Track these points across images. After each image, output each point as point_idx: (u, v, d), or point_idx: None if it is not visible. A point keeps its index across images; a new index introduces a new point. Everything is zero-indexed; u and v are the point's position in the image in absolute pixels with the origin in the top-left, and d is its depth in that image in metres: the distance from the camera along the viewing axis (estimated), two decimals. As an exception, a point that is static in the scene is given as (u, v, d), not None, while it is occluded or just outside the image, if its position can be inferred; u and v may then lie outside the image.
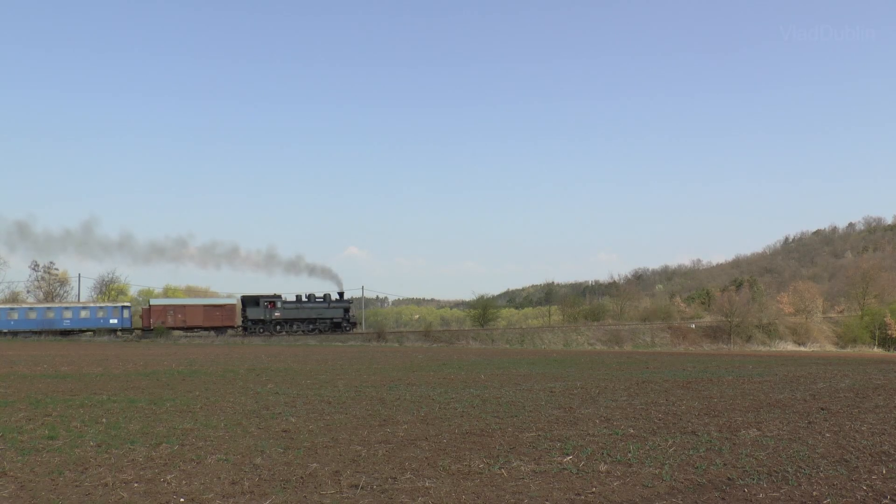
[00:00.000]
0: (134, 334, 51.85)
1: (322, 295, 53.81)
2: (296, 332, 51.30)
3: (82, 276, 72.93)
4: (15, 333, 48.38)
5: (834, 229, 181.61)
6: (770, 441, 7.23)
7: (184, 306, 51.68)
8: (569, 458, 6.49)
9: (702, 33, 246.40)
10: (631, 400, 10.90)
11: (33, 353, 27.73)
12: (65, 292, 67.37)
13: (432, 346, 43.25)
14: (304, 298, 53.15)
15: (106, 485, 5.60)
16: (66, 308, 51.23)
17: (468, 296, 63.12)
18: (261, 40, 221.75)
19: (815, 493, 5.19)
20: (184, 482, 5.68)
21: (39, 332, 48.61)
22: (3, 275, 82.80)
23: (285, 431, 8.07)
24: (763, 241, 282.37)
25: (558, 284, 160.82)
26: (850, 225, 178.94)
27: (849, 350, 53.74)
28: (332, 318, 52.99)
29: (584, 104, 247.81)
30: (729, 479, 5.66)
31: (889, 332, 61.92)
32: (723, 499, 5.11)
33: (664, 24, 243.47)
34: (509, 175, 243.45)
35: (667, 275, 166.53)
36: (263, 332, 50.83)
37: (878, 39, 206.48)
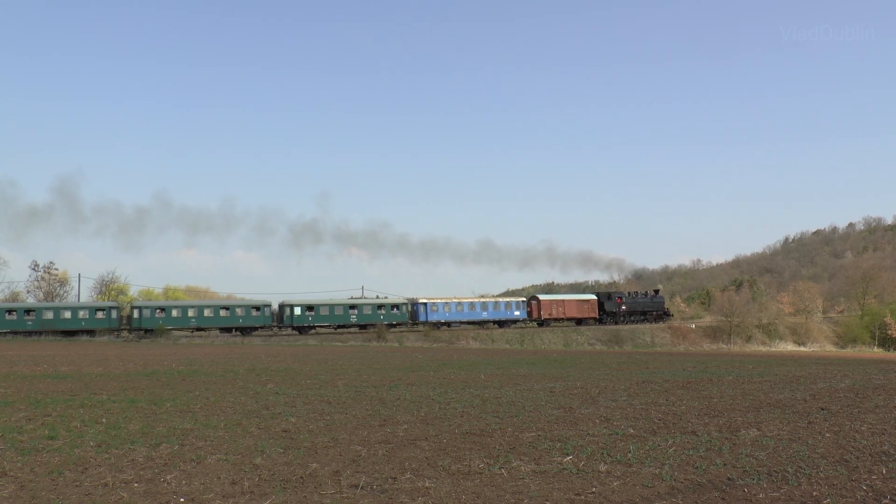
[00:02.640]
0: (517, 325, 59.50)
1: (644, 291, 69.77)
2: (633, 321, 62.91)
3: (82, 275, 73.05)
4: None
5: (834, 229, 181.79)
6: (770, 441, 7.22)
7: (563, 301, 61.74)
8: (569, 458, 6.49)
9: (701, 34, 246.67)
10: (631, 400, 10.90)
11: (33, 353, 27.73)
12: (65, 292, 67.39)
13: (432, 346, 43.23)
14: (636, 295, 66.60)
15: (106, 485, 5.60)
16: (472, 303, 58.95)
17: (468, 296, 63.39)
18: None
19: (815, 493, 5.19)
20: (184, 482, 5.68)
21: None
22: (3, 275, 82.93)
23: (285, 431, 8.07)
24: (763, 241, 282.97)
25: (558, 285, 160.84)
26: (850, 225, 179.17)
27: (849, 350, 53.66)
28: (655, 310, 65.21)
29: (583, 105, 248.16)
30: (729, 479, 5.66)
31: (889, 332, 61.87)
32: (723, 499, 5.11)
33: (664, 25, 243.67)
34: (509, 176, 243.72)
35: (667, 275, 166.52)
36: (612, 322, 61.72)
37: (877, 39, 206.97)
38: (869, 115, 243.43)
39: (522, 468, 6.09)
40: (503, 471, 5.99)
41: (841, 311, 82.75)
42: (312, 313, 53.42)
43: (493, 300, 61.04)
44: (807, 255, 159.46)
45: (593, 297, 63.22)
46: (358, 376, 16.21)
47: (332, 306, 54.62)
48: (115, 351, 30.96)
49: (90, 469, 6.15)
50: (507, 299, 61.35)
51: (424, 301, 56.56)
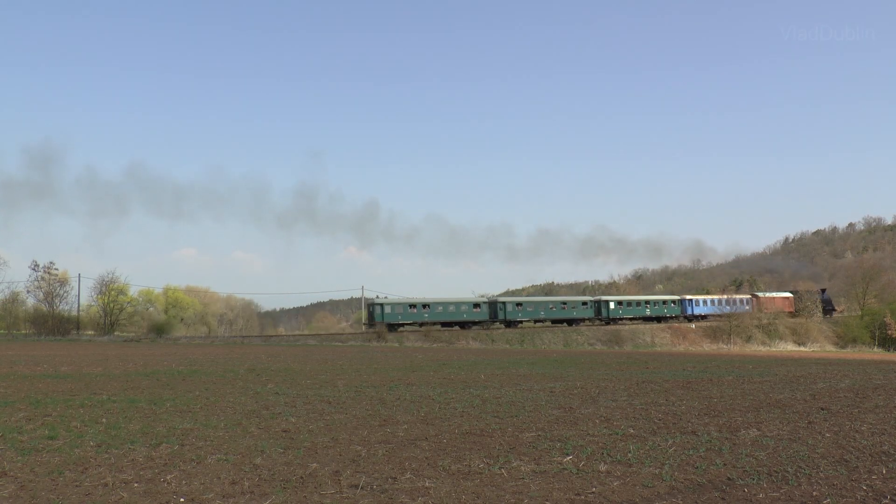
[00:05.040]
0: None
1: (819, 290, 79.32)
2: (826, 317, 73.74)
3: (82, 276, 72.99)
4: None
5: (834, 229, 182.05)
6: (770, 441, 7.22)
7: (773, 298, 73.23)
8: (569, 458, 6.49)
9: (701, 34, 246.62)
10: (631, 400, 10.90)
11: (33, 354, 27.72)
12: (64, 292, 67.35)
13: (432, 346, 43.19)
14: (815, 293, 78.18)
15: (106, 485, 5.60)
16: (719, 300, 69.83)
17: (468, 296, 64.02)
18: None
19: (815, 493, 5.19)
20: (184, 482, 5.68)
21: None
22: (3, 275, 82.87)
23: (285, 431, 8.07)
24: (763, 241, 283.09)
25: (558, 285, 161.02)
26: (850, 225, 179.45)
27: (848, 350, 53.61)
28: (827, 305, 75.26)
29: (582, 106, 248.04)
30: (729, 479, 5.66)
31: (889, 332, 61.76)
32: (723, 499, 5.11)
33: (663, 26, 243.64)
34: (510, 175, 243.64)
35: (667, 275, 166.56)
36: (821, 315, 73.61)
37: (878, 39, 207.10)
38: (869, 115, 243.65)
39: (522, 468, 6.09)
40: (503, 471, 5.99)
41: (841, 311, 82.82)
42: (521, 309, 60.41)
43: (729, 297, 71.32)
44: (807, 255, 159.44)
45: (791, 294, 76.49)
46: (358, 376, 16.20)
47: (537, 303, 62.75)
48: (115, 351, 30.95)
49: (90, 469, 6.15)
50: (740, 296, 72.91)
51: (691, 298, 68.92)
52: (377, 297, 59.89)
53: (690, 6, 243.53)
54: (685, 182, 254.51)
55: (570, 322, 62.22)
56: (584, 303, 63.94)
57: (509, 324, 59.20)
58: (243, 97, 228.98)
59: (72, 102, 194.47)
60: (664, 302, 67.94)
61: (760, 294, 74.37)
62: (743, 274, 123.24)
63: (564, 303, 63.24)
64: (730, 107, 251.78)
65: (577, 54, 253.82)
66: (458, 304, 58.20)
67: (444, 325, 56.98)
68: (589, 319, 63.39)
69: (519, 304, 61.03)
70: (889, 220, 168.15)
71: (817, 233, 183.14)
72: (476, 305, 58.74)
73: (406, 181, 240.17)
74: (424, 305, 56.56)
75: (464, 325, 57.62)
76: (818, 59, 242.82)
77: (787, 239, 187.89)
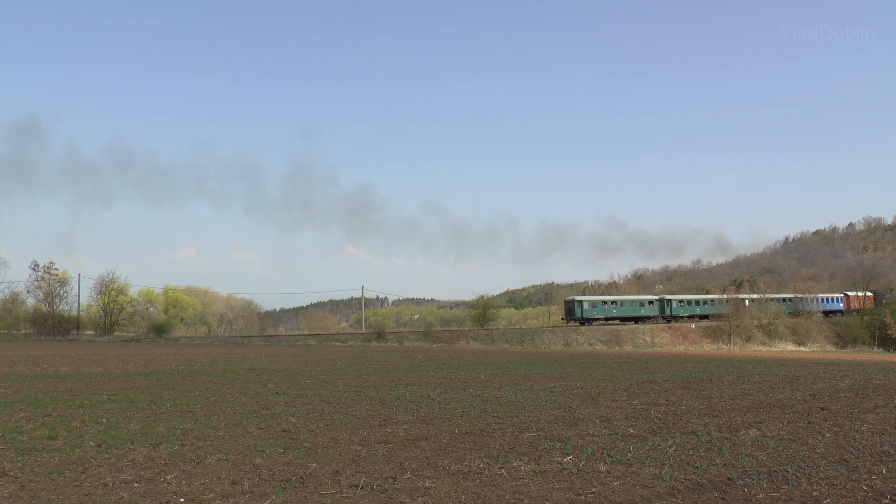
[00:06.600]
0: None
1: (890, 289, 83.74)
2: None
3: (82, 276, 73.02)
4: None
5: (834, 229, 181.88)
6: (770, 441, 7.22)
7: (861, 296, 78.20)
8: (569, 458, 6.49)
9: (701, 35, 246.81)
10: (631, 400, 10.90)
11: (33, 354, 27.73)
12: (65, 292, 67.34)
13: (432, 346, 43.17)
14: (889, 292, 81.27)
15: (106, 485, 5.60)
16: (820, 298, 73.98)
17: (468, 296, 64.84)
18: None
19: (815, 493, 5.19)
20: (184, 482, 5.68)
21: None
22: (3, 275, 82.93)
23: (285, 431, 8.07)
24: (763, 241, 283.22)
25: (558, 285, 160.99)
26: (850, 225, 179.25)
27: (848, 350, 53.59)
28: None
29: (583, 108, 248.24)
30: (729, 479, 5.66)
31: (889, 332, 61.75)
32: (723, 499, 5.11)
33: (663, 27, 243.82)
34: (510, 174, 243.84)
35: (667, 275, 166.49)
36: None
37: (878, 39, 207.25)
38: (869, 115, 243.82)
39: (522, 468, 6.09)
40: (503, 471, 5.99)
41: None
42: (683, 305, 67.36)
43: (827, 295, 75.83)
44: (807, 255, 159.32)
45: (871, 293, 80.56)
46: (358, 376, 16.20)
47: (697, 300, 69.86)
48: (114, 351, 30.96)
49: (90, 469, 6.15)
50: (833, 294, 77.09)
51: (802, 296, 73.70)
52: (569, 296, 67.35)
53: (691, 6, 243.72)
54: (684, 182, 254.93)
55: (636, 319, 68.35)
56: (728, 300, 69.48)
57: (673, 318, 65.63)
58: (235, 81, 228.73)
59: (56, 83, 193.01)
60: (784, 300, 72.14)
61: (850, 293, 79.49)
62: (743, 274, 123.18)
63: (713, 300, 69.78)
64: (729, 107, 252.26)
65: (579, 53, 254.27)
66: (634, 301, 66.82)
67: (621, 319, 64.00)
68: (653, 317, 68.59)
69: (681, 301, 68.03)
70: (889, 220, 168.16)
71: (817, 233, 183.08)
72: (650, 302, 66.58)
73: (405, 177, 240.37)
74: (613, 302, 64.73)
75: (638, 319, 64.46)
76: (818, 59, 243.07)
77: (787, 239, 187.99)
